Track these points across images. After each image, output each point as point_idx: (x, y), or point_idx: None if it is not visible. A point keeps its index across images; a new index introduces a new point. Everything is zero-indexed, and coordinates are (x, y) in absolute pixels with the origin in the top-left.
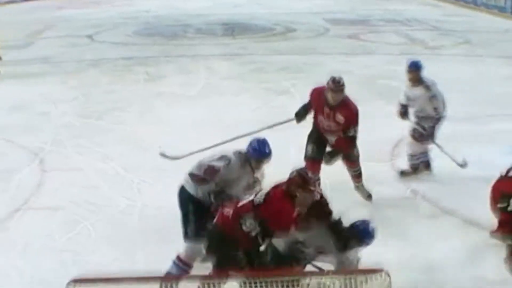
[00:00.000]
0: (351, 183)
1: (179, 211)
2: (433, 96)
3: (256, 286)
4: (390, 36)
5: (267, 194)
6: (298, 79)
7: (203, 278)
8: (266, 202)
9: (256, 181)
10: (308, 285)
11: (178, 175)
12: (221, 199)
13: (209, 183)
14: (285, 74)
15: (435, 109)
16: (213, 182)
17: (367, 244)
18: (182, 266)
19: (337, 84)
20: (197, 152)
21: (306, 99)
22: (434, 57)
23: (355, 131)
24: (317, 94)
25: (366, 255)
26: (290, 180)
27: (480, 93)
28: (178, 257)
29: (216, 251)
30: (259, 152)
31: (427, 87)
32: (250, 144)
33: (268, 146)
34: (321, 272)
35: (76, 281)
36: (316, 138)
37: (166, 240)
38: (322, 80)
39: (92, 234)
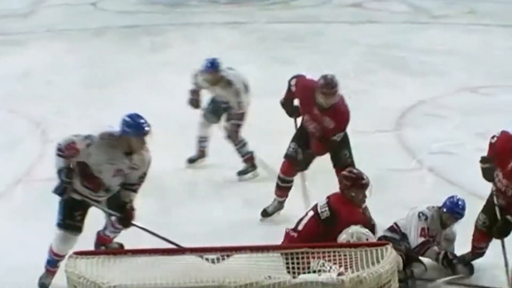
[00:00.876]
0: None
1: (183, 177)
2: (236, 91)
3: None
4: (395, 5)
5: (329, 205)
6: (302, 48)
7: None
8: (333, 213)
9: (133, 167)
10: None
11: (185, 144)
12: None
13: (67, 159)
14: (289, 43)
15: (239, 103)
16: (72, 160)
17: (461, 216)
18: (54, 257)
19: (329, 88)
20: None
21: (310, 68)
22: (439, 26)
23: (339, 137)
24: (306, 91)
25: None
26: (341, 186)
27: (486, 64)
28: (51, 249)
29: None
30: (136, 128)
31: (229, 83)
32: (123, 122)
33: (145, 120)
34: (329, 244)
35: (77, 253)
36: (301, 137)
37: (168, 209)
38: (325, 50)
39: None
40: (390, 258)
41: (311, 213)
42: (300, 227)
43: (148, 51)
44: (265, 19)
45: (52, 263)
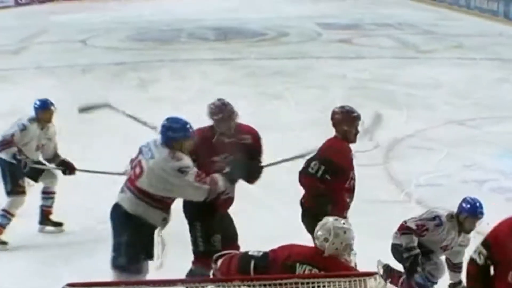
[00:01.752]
0: None
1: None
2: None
3: None
4: (383, 40)
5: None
6: (291, 83)
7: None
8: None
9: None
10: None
11: None
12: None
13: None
14: (278, 78)
15: None
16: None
17: (483, 215)
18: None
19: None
20: None
21: (299, 103)
22: (426, 61)
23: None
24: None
25: (359, 258)
26: (333, 122)
27: (472, 96)
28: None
29: None
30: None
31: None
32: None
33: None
34: (316, 275)
35: (71, 285)
36: None
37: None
38: (314, 84)
39: (86, 237)
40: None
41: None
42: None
43: (136, 87)
44: (254, 55)
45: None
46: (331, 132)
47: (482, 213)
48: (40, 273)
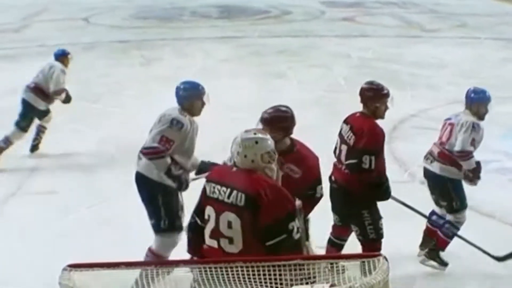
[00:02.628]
0: None
1: None
2: None
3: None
4: (386, 19)
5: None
6: (295, 62)
7: (204, 263)
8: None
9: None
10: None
11: None
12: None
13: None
14: (281, 57)
15: None
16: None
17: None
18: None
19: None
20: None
21: (302, 81)
22: (430, 40)
23: None
24: None
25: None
26: (363, 99)
27: (477, 76)
28: (151, 250)
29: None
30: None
31: None
32: (179, 89)
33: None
34: (319, 257)
35: (72, 266)
36: None
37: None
38: (318, 63)
39: (88, 218)
40: (382, 269)
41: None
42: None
43: (139, 65)
44: (257, 34)
45: None
46: (333, 111)
47: (488, 97)
48: (41, 254)
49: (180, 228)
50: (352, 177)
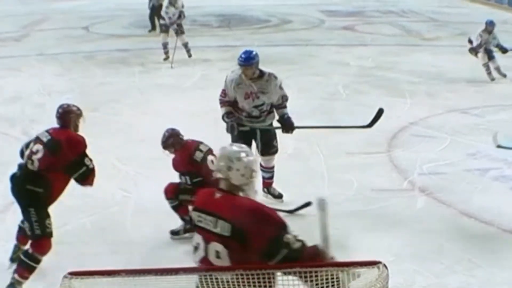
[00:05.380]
0: (346, 176)
1: None
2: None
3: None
4: (386, 28)
5: None
6: (294, 70)
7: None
8: None
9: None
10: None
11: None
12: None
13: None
14: (281, 66)
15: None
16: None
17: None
18: None
19: None
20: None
21: (302, 90)
22: (430, 48)
23: None
24: None
25: (362, 247)
26: None
27: (476, 85)
28: None
29: None
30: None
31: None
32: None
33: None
34: (319, 265)
35: (72, 273)
36: None
37: (161, 232)
38: (317, 71)
39: (88, 226)
40: (381, 277)
41: None
42: None
43: (138, 74)
44: (257, 43)
45: None
46: (334, 119)
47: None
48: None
49: None
50: None
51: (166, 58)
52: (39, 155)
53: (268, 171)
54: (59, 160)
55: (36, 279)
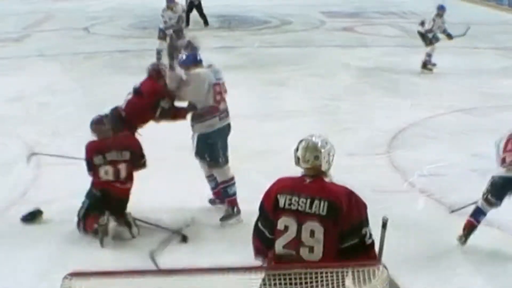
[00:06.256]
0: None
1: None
2: None
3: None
4: (386, 29)
5: None
6: (295, 71)
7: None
8: None
9: None
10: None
11: (177, 167)
12: None
13: None
14: (281, 67)
15: None
16: None
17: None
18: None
19: None
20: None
21: (303, 91)
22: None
23: None
24: None
25: None
26: None
27: (477, 85)
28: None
29: None
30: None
31: None
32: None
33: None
34: (320, 265)
35: (73, 274)
36: None
37: (162, 232)
38: (317, 72)
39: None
40: (381, 277)
41: None
42: None
43: (139, 75)
44: (257, 44)
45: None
46: (334, 120)
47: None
48: (42, 261)
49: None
50: None
51: None
52: None
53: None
54: None
55: (37, 280)
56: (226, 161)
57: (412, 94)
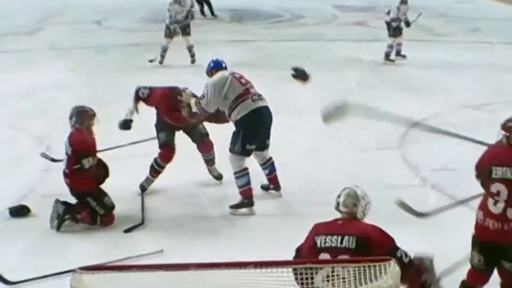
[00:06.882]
0: (359, 172)
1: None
2: None
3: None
4: None
5: None
6: (307, 65)
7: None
8: None
9: None
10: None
11: (186, 163)
12: None
13: None
14: (293, 61)
15: None
16: None
17: None
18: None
19: None
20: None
21: (315, 85)
22: (442, 44)
23: None
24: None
25: None
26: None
27: (489, 81)
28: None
29: None
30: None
31: None
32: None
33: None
34: (328, 260)
35: (83, 268)
36: None
37: (170, 227)
38: (330, 67)
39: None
40: (393, 273)
41: None
42: None
43: (151, 69)
44: (269, 38)
45: None
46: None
47: None
48: (51, 256)
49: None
50: None
51: (161, 62)
52: None
53: None
54: None
55: (46, 274)
56: (243, 152)
57: (423, 89)
